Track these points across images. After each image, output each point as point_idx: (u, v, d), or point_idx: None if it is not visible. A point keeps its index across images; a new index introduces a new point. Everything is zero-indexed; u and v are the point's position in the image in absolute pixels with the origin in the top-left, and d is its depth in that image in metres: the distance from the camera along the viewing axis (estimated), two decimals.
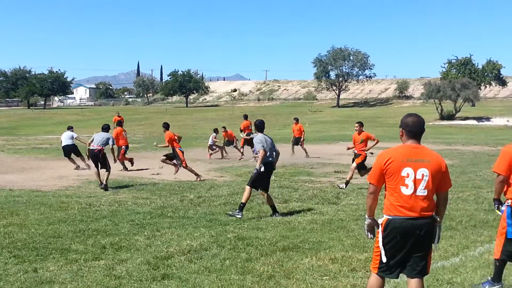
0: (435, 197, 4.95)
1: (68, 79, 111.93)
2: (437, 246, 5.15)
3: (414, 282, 4.89)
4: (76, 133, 20.28)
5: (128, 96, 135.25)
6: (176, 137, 16.61)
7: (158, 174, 17.31)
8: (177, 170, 16.82)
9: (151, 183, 15.14)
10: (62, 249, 7.85)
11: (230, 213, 10.41)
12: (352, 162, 14.72)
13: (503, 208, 6.19)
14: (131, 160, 19.12)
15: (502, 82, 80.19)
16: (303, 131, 24.46)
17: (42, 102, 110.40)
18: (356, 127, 14.68)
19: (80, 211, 10.98)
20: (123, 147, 18.92)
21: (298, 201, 12.18)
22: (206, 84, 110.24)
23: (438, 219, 4.94)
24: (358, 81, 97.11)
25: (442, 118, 59.85)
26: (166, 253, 7.63)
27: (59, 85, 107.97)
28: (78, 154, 19.26)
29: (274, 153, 10.69)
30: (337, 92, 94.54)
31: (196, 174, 15.96)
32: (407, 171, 4.80)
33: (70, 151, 19.34)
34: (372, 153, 14.43)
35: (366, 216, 5.11)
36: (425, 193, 4.81)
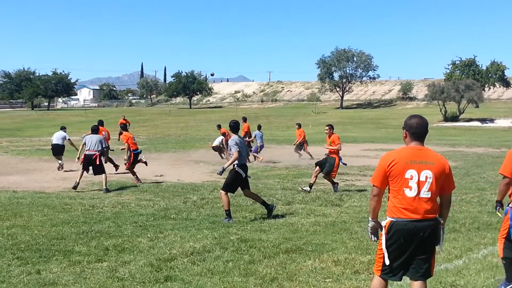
0: (438, 199, 4.94)
1: (72, 81, 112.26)
2: (442, 248, 5.11)
3: (417, 284, 4.87)
4: (69, 135, 20.24)
5: (132, 98, 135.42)
6: (131, 138, 16.53)
7: (161, 175, 17.32)
8: (145, 162, 17.09)
9: (154, 185, 15.14)
10: (65, 251, 7.86)
11: (223, 220, 10.25)
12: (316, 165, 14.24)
13: (508, 208, 6.18)
14: (115, 166, 18.44)
15: (506, 84, 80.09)
16: (303, 136, 24.25)
17: (46, 104, 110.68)
18: (326, 130, 14.28)
19: (83, 212, 11.00)
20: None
21: (301, 203, 12.17)
22: (209, 85, 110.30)
23: (442, 221, 4.93)
24: (361, 82, 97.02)
25: (446, 119, 59.76)
26: (169, 255, 7.63)
27: (63, 86, 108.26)
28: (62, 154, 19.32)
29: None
30: (340, 93, 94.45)
31: (136, 178, 15.85)
32: (410, 173, 4.78)
33: (58, 150, 19.35)
34: (326, 154, 14.11)
35: (370, 219, 5.08)
36: (429, 195, 4.79)
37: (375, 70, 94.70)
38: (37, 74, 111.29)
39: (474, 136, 40.26)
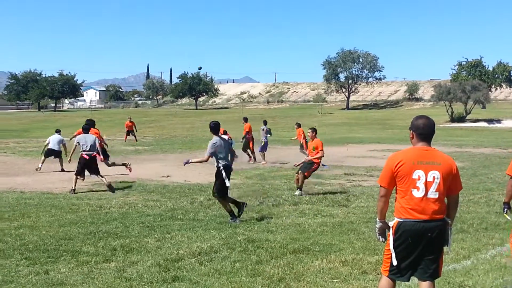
0: (445, 199, 4.93)
1: (78, 82, 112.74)
2: (450, 249, 5.11)
3: (425, 285, 4.87)
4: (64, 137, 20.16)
5: (138, 99, 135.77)
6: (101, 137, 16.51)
7: (167, 176, 17.34)
8: (130, 169, 16.87)
9: (161, 185, 15.16)
10: (73, 251, 7.88)
11: (229, 220, 10.22)
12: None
13: None
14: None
15: None
16: (303, 136, 24.06)
17: (53, 105, 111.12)
18: (309, 133, 13.83)
19: (90, 213, 11.03)
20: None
21: (308, 204, 12.16)
22: (215, 86, 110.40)
23: (450, 221, 4.92)
24: (367, 83, 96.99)
25: (453, 120, 59.61)
26: (176, 255, 7.64)
27: (69, 87, 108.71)
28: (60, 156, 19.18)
29: (229, 155, 10.50)
30: (346, 94, 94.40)
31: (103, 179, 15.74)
32: (418, 173, 4.78)
33: (56, 155, 19.27)
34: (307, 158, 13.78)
35: (377, 219, 5.07)
36: (436, 196, 4.78)
37: (381, 71, 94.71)
38: (43, 76, 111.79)
39: (481, 137, 40.13)
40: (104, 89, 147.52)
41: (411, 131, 4.98)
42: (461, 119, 60.00)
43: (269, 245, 8.18)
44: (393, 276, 4.93)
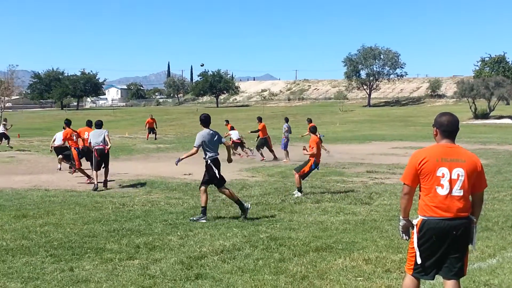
0: (470, 197, 4.88)
1: (100, 80, 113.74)
2: (475, 247, 5.05)
3: (450, 283, 4.82)
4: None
5: (159, 97, 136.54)
6: (75, 135, 16.54)
7: (189, 174, 17.40)
8: (74, 171, 16.94)
9: (183, 183, 15.23)
10: (97, 249, 7.96)
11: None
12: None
13: None
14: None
15: None
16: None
17: (75, 103, 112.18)
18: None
19: (114, 211, 11.13)
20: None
21: (331, 201, 12.12)
22: (236, 84, 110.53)
23: (474, 219, 4.86)
24: (389, 80, 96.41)
25: (476, 117, 58.95)
26: (199, 253, 7.67)
27: (91, 86, 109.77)
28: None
29: (218, 147, 10.54)
30: (368, 91, 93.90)
31: (88, 176, 15.77)
32: (442, 171, 4.73)
33: (61, 151, 18.62)
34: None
35: (401, 217, 5.02)
36: (461, 193, 4.73)
37: (402, 67, 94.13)
38: (66, 74, 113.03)
39: (505, 134, 39.59)
40: (126, 87, 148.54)
41: (435, 128, 4.93)
42: (485, 115, 59.29)
43: (291, 243, 8.17)
44: (418, 275, 4.89)
